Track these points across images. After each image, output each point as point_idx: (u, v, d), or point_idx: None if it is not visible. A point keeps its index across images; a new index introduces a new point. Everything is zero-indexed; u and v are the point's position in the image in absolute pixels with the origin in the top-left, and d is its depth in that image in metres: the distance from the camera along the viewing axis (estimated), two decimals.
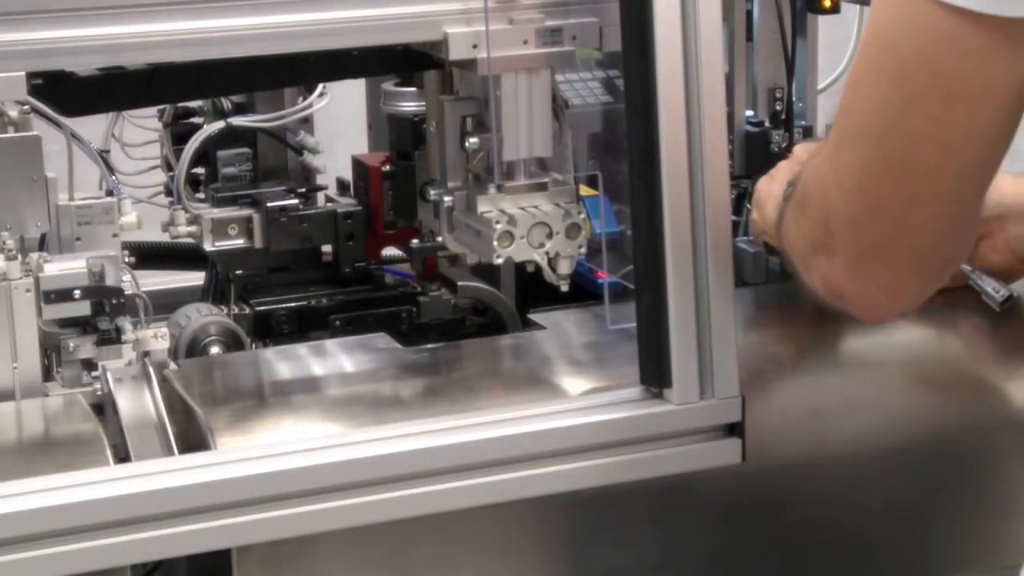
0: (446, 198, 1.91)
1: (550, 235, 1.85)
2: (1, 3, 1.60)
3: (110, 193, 1.98)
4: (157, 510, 1.58)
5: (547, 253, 1.86)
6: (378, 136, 2.26)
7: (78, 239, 1.92)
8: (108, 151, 2.15)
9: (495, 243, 1.83)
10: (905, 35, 1.18)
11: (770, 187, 1.84)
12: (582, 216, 1.87)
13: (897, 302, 1.32)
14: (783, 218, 1.40)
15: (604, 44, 1.84)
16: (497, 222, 1.83)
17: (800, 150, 1.85)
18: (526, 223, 1.84)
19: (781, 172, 1.83)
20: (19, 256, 1.81)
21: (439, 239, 1.97)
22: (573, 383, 1.85)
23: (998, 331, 1.96)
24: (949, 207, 1.23)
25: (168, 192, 2.15)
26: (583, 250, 1.88)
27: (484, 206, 1.86)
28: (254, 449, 1.66)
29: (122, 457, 1.71)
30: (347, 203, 2.17)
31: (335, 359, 1.93)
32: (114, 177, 2.02)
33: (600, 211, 2.01)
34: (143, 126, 2.17)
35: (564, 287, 1.90)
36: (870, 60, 1.22)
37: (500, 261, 1.85)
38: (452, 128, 1.90)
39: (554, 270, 1.88)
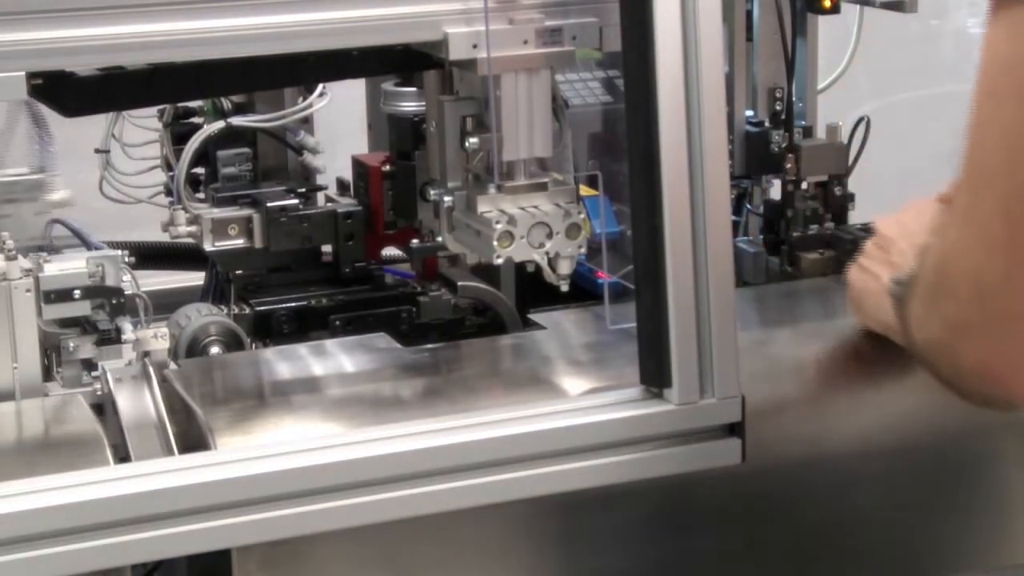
0: (446, 198, 1.91)
1: (550, 235, 1.85)
2: (1, 3, 1.60)
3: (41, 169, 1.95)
4: (157, 510, 1.57)
5: (547, 253, 1.86)
6: (378, 136, 2.26)
7: (3, 216, 1.89)
8: (108, 151, 2.15)
9: (495, 243, 1.83)
10: (1015, 48, 1.06)
11: (867, 281, 1.77)
12: (582, 216, 1.87)
13: None
14: (908, 314, 1.21)
15: (604, 44, 1.84)
16: (497, 222, 1.82)
17: (884, 227, 1.73)
18: (526, 223, 1.84)
19: (872, 261, 1.75)
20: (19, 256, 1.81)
21: (439, 239, 1.97)
22: (573, 383, 1.85)
23: None
24: None
25: (168, 192, 2.15)
26: (583, 250, 1.88)
27: (484, 206, 1.86)
28: (254, 449, 1.66)
29: (122, 457, 1.71)
30: (347, 203, 2.17)
31: (335, 359, 1.93)
32: (52, 148, 1.98)
33: (600, 211, 2.01)
34: (143, 126, 2.17)
35: (564, 287, 1.90)
36: (985, 86, 1.08)
37: (500, 261, 1.85)
38: (452, 128, 1.90)
39: (554, 270, 1.88)
